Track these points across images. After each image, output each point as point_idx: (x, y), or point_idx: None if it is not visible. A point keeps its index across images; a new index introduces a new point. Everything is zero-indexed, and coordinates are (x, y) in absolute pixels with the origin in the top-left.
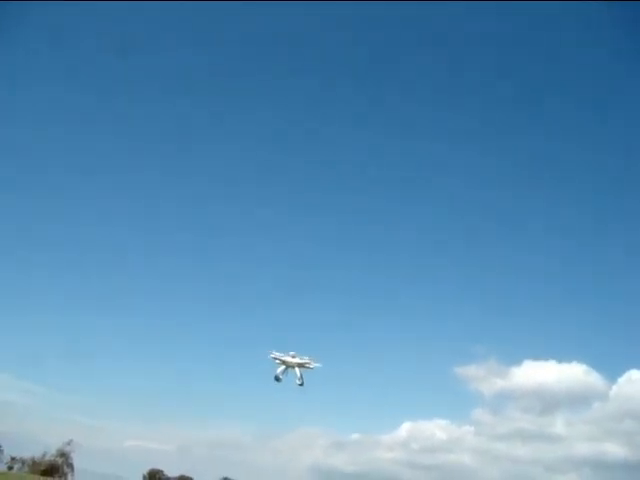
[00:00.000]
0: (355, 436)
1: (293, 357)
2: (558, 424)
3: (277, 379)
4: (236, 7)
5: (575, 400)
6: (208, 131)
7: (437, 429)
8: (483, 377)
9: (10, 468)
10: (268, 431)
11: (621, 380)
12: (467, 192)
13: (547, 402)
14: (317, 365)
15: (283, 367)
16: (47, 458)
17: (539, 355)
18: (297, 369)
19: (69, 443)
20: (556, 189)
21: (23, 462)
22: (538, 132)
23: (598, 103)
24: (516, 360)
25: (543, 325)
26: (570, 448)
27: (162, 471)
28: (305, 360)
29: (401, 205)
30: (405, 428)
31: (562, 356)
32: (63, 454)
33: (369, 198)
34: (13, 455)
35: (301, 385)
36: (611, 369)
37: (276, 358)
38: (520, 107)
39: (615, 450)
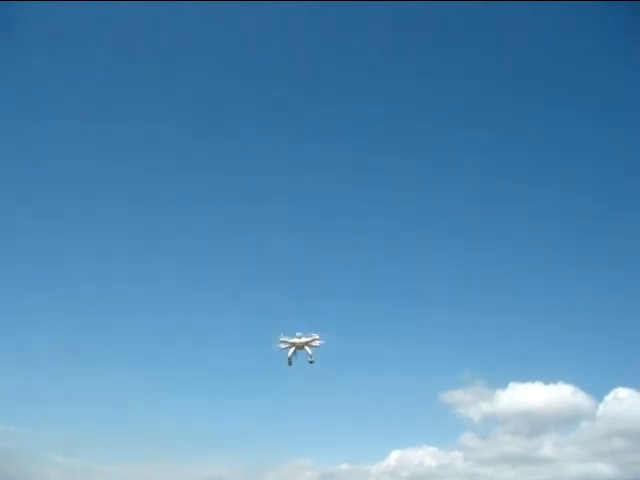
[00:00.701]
0: (344, 466)
1: (300, 338)
2: (546, 446)
3: (289, 362)
4: (244, 8)
5: (563, 421)
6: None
7: (426, 456)
8: (470, 401)
9: None
10: (257, 465)
11: (607, 398)
12: (457, 209)
13: (535, 424)
14: (322, 342)
15: (293, 349)
16: None
17: (525, 377)
18: (307, 348)
19: None
20: (546, 200)
21: None
22: (537, 134)
23: (598, 104)
24: (502, 383)
25: (527, 346)
26: (559, 470)
27: None
28: (313, 337)
29: (389, 227)
30: (394, 457)
31: (548, 377)
32: None
33: (358, 222)
34: None
35: (312, 362)
36: (597, 388)
37: (284, 342)
38: (518, 108)
39: (605, 470)
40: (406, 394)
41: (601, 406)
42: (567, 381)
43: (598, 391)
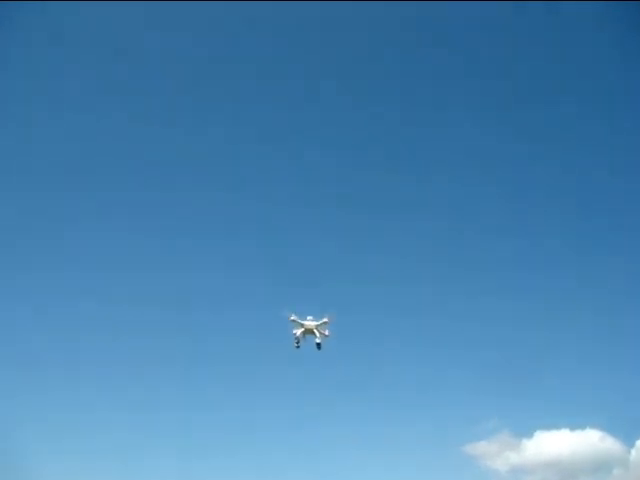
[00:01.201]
0: None
1: (311, 321)
2: None
3: (297, 342)
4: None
5: (594, 469)
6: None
7: None
8: (496, 452)
9: None
10: None
11: (639, 443)
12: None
13: (564, 473)
14: (331, 332)
15: (302, 330)
16: None
17: (551, 425)
18: (316, 331)
19: None
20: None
21: None
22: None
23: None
24: (527, 432)
25: (552, 393)
26: None
27: None
28: (324, 320)
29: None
30: None
31: (574, 423)
32: None
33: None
34: None
35: (319, 346)
36: (627, 432)
37: (295, 321)
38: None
39: None
40: (429, 446)
41: (633, 451)
42: (594, 427)
43: (628, 436)
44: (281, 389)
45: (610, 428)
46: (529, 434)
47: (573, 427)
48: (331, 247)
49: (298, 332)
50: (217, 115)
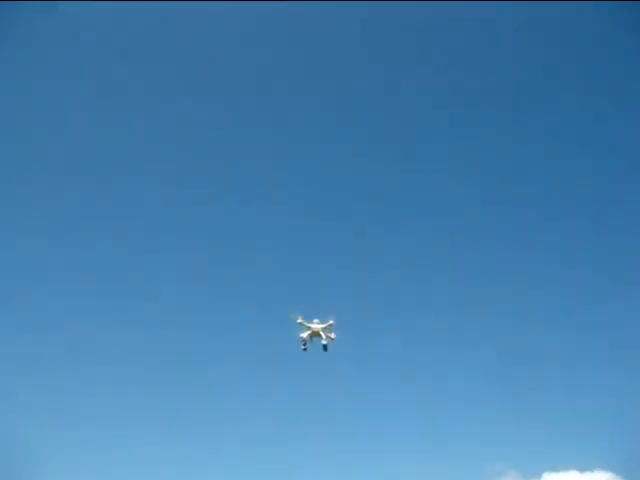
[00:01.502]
0: None
1: (317, 324)
2: None
3: (304, 344)
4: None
5: None
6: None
7: None
8: None
9: None
10: None
11: None
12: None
13: None
14: (336, 336)
15: (308, 332)
16: None
17: (558, 466)
18: (322, 333)
19: None
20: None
21: None
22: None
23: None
24: (535, 473)
25: (559, 433)
26: None
27: None
28: (329, 322)
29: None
30: None
31: (583, 465)
32: None
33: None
34: None
35: (325, 348)
36: (637, 474)
37: (302, 324)
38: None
39: None
40: None
41: None
42: (603, 468)
43: (637, 478)
44: (283, 402)
45: (619, 470)
46: (537, 476)
47: (582, 469)
48: (334, 255)
49: (305, 335)
50: (218, 117)
